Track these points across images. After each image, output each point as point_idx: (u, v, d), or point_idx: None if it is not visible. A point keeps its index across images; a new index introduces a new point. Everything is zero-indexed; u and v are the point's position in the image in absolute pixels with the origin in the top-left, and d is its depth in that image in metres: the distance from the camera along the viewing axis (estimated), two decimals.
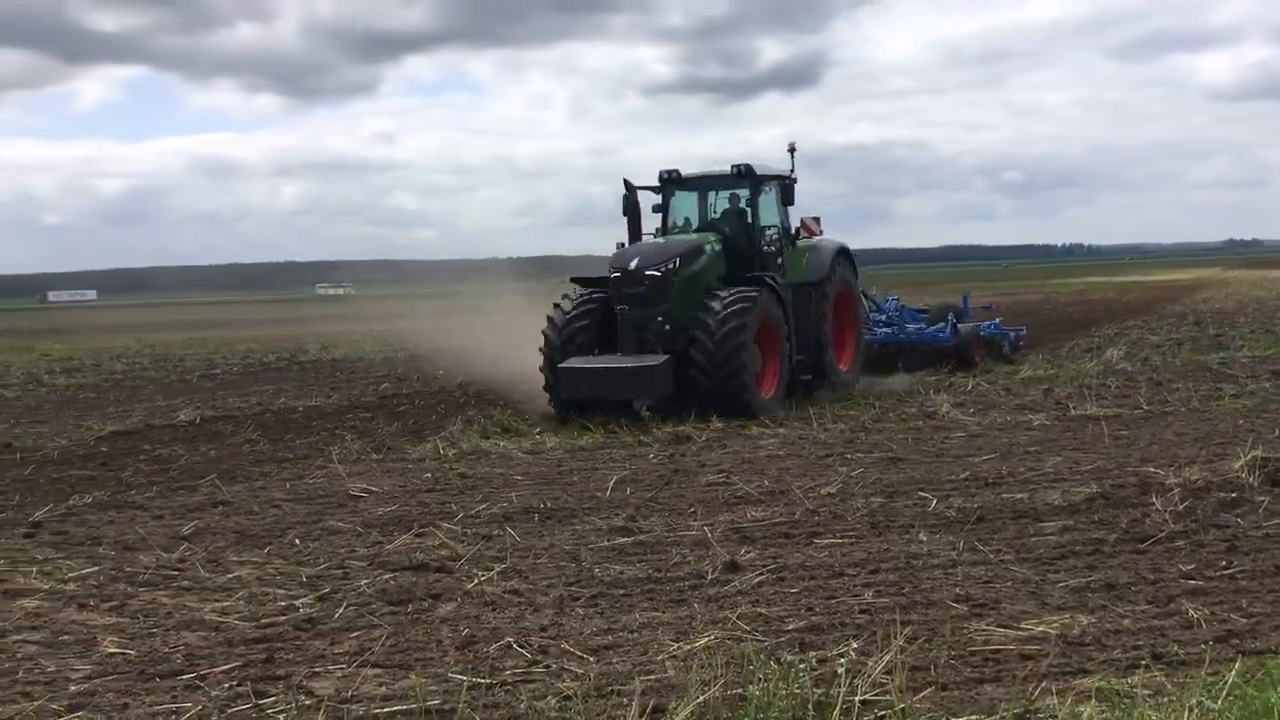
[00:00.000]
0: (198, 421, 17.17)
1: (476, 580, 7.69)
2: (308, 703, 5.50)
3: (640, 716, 5.00)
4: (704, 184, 17.80)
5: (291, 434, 15.48)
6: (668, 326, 15.58)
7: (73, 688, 5.88)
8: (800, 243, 17.95)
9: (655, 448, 13.18)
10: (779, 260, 17.30)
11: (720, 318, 15.21)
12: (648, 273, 15.69)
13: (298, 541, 9.00)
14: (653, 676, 5.74)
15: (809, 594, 7.18)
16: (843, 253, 18.42)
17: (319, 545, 8.89)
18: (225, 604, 7.34)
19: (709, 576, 7.62)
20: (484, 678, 5.83)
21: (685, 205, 17.91)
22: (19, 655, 6.44)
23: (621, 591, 7.39)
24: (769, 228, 17.42)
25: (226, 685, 5.84)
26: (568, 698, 5.44)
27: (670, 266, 15.79)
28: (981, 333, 22.29)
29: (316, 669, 6.06)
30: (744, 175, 17.10)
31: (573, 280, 17.17)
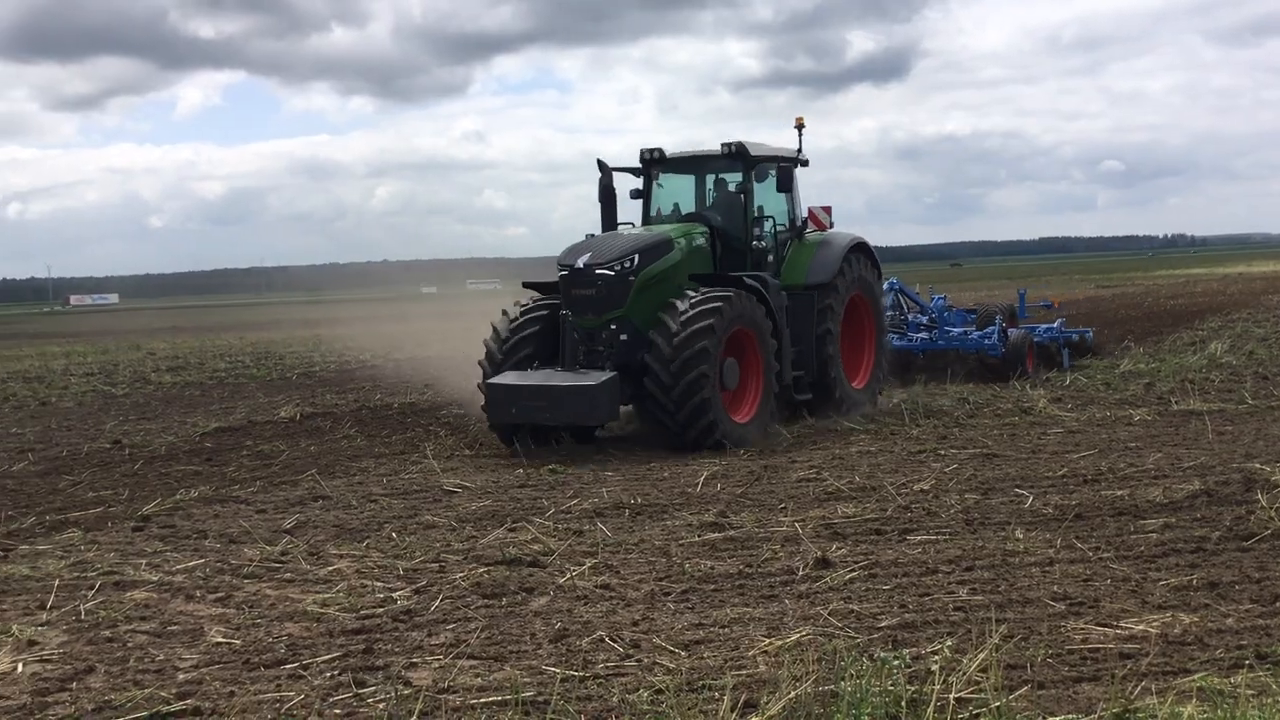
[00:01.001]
0: (298, 418, 17.55)
1: (569, 575, 7.77)
2: (406, 692, 5.61)
3: (732, 711, 5.01)
4: (691, 166, 15.25)
5: (387, 430, 15.76)
6: (624, 336, 13.05)
7: (181, 676, 6.07)
8: (810, 236, 15.46)
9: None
10: (772, 257, 14.89)
11: (677, 337, 12.57)
12: (599, 271, 13.08)
13: (395, 535, 9.18)
14: (744, 671, 5.76)
15: (902, 591, 7.13)
16: (859, 249, 15.60)
17: (415, 539, 9.05)
18: (326, 596, 7.52)
19: (800, 572, 7.61)
20: (577, 670, 5.89)
21: (674, 191, 15.38)
22: (129, 645, 6.67)
23: (712, 587, 7.41)
24: (765, 218, 14.88)
25: (328, 674, 5.99)
26: (660, 691, 5.48)
27: (628, 264, 13.15)
28: (1037, 337, 19.49)
29: (414, 659, 6.18)
30: (736, 155, 14.52)
31: (525, 285, 14.54)
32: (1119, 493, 9.60)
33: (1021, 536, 8.28)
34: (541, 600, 7.27)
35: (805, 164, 15.61)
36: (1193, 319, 30.97)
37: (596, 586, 7.50)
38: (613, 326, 13.14)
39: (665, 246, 13.64)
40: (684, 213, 15.12)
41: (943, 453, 12.05)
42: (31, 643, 6.74)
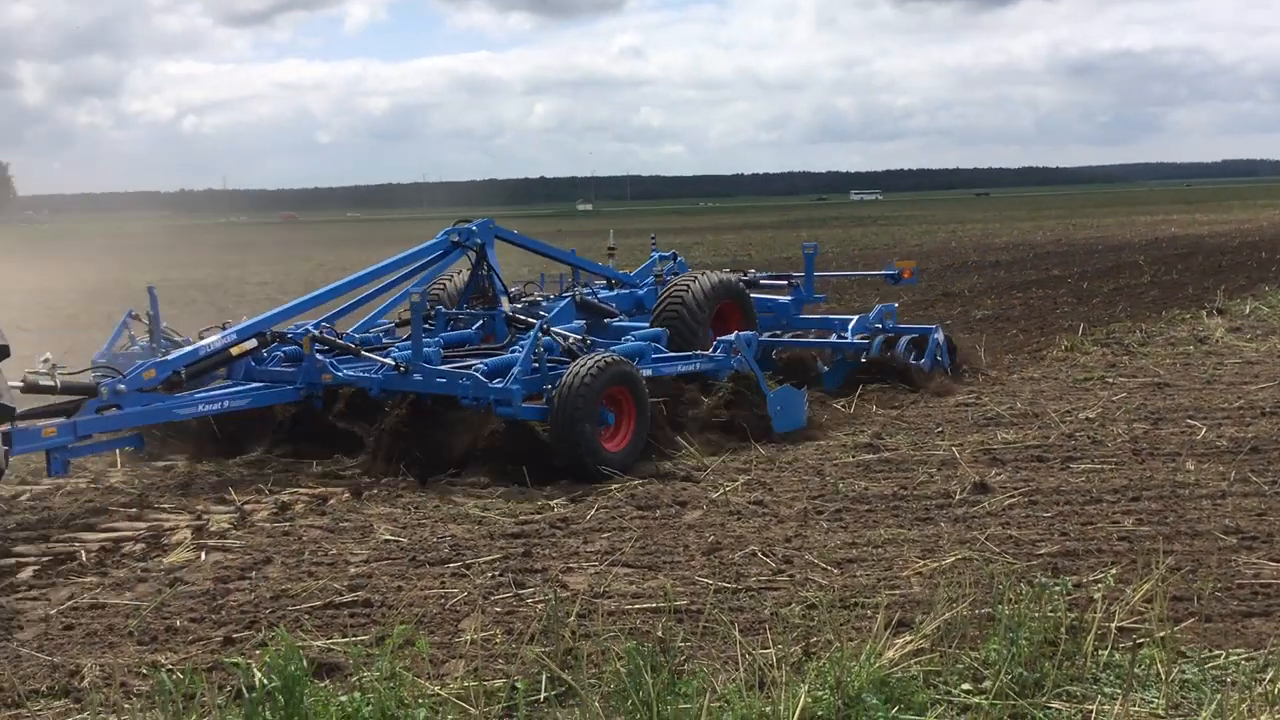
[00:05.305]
0: None
1: (722, 490, 7.82)
2: (564, 595, 5.76)
3: (885, 629, 5.00)
4: None
5: None
6: None
7: (352, 570, 6.36)
8: None
9: None
10: None
11: None
12: None
13: None
14: (898, 591, 5.73)
15: (1063, 519, 6.97)
16: None
17: None
18: (487, 501, 7.75)
19: (957, 496, 7.50)
20: (730, 583, 5.96)
21: None
22: (304, 539, 7.01)
23: (866, 507, 7.37)
24: None
25: (489, 575, 6.19)
26: (812, 606, 5.50)
27: None
28: (695, 364, 9.60)
29: (571, 565, 6.34)
30: None
31: None
32: None
33: (1193, 468, 7.99)
34: (695, 514, 7.35)
35: None
36: None
37: (750, 502, 7.55)
38: None
39: None
40: None
41: (1111, 381, 11.66)
42: (216, 534, 7.15)
